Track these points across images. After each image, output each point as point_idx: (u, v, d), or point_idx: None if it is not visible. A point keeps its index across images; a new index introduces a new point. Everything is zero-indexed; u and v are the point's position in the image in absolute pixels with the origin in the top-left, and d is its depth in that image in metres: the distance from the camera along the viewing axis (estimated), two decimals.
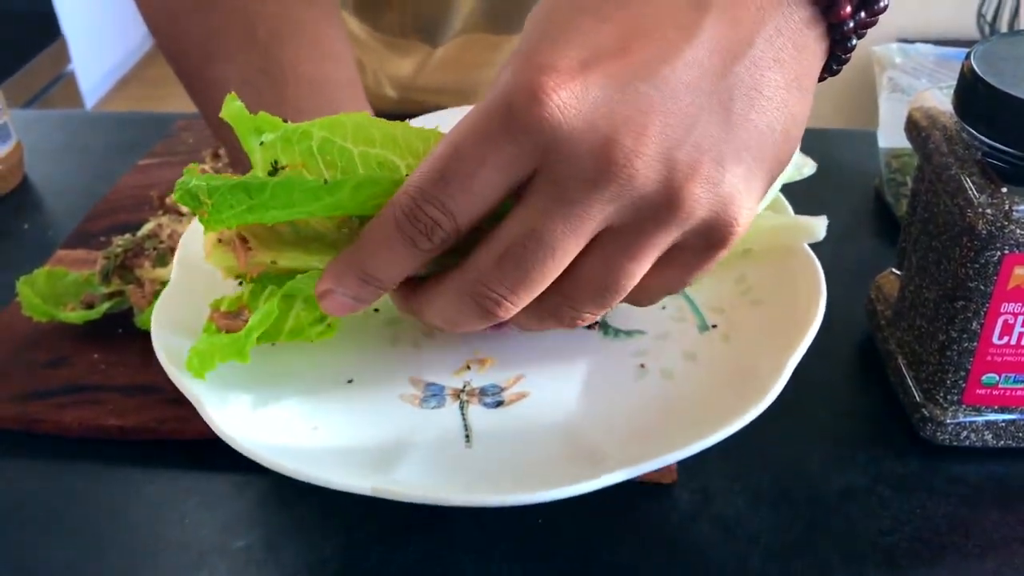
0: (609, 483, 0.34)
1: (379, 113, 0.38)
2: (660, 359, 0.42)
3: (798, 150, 0.42)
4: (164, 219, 0.56)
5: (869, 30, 0.36)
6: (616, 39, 0.31)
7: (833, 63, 0.36)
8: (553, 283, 0.33)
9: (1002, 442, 0.45)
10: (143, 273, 0.53)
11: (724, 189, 0.32)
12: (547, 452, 0.37)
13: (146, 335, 0.40)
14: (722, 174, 0.32)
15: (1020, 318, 0.42)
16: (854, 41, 0.35)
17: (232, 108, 0.35)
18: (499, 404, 0.40)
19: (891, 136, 0.63)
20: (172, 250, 0.54)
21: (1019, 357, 0.43)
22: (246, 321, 0.38)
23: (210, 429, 0.36)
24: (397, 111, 0.80)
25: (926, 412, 0.45)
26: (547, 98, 0.29)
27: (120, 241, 0.55)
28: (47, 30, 2.77)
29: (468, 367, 0.42)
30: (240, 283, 0.39)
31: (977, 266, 0.41)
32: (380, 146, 0.35)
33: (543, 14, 0.32)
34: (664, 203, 0.31)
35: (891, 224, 0.62)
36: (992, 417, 0.45)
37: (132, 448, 0.47)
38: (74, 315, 0.53)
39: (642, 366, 0.41)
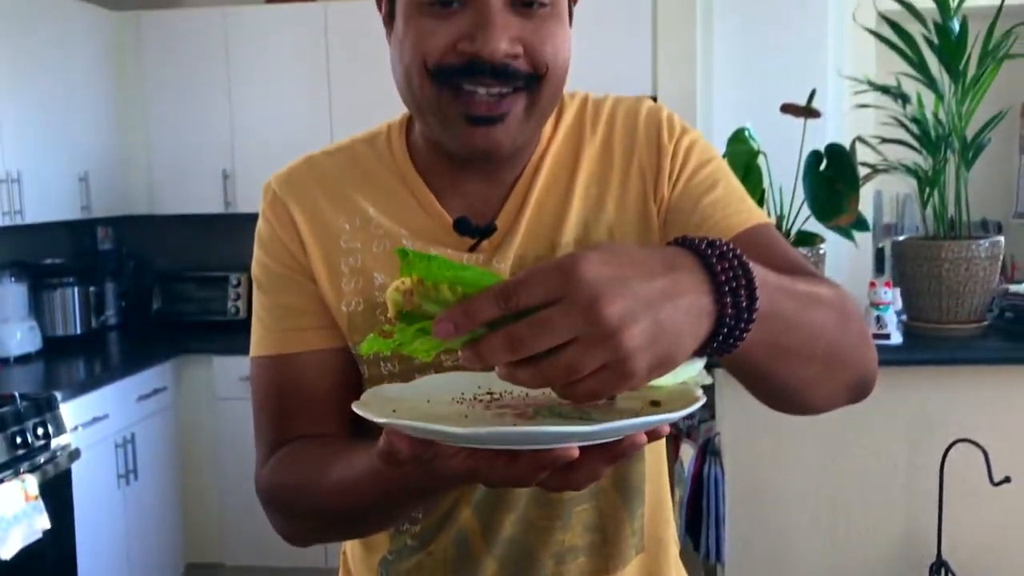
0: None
1: None
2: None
3: (702, 368, 0.74)
4: None
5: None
6: (622, 263, 0.64)
7: (715, 343, 0.69)
8: (545, 354, 0.63)
9: None
10: None
11: (641, 344, 0.63)
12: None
13: None
14: (643, 337, 0.63)
15: None
16: (726, 333, 0.68)
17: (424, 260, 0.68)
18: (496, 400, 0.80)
19: None
20: None
21: None
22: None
23: None
24: None
25: None
26: (580, 266, 0.62)
27: None
28: None
29: (490, 392, 0.81)
30: (396, 321, 0.69)
31: None
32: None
33: (603, 246, 0.66)
34: (612, 335, 0.62)
35: None
36: None
37: None
38: None
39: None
